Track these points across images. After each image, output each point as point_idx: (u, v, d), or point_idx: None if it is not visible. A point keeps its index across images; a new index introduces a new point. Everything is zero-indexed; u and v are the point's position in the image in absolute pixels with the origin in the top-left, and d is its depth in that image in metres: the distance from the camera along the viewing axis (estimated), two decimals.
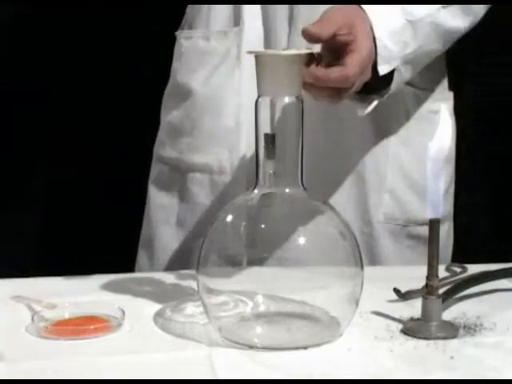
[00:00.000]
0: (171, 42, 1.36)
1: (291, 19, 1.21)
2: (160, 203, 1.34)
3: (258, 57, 0.90)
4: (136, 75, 2.10)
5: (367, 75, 1.02)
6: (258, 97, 0.89)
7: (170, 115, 1.33)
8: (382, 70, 1.05)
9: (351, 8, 1.03)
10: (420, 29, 1.10)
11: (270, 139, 0.88)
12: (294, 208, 0.91)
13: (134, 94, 2.17)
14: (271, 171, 0.89)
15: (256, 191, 0.91)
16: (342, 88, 0.98)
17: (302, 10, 1.19)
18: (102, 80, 2.21)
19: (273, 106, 0.88)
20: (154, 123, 1.40)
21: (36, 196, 2.33)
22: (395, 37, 1.06)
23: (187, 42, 1.30)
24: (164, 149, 1.34)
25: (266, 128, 0.89)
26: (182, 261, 1.29)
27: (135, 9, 2.10)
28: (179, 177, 1.31)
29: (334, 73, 0.96)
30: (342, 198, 1.22)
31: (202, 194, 1.28)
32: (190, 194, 1.29)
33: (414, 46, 1.10)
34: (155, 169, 1.36)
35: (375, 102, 1.09)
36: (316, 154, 1.18)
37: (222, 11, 1.26)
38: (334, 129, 1.21)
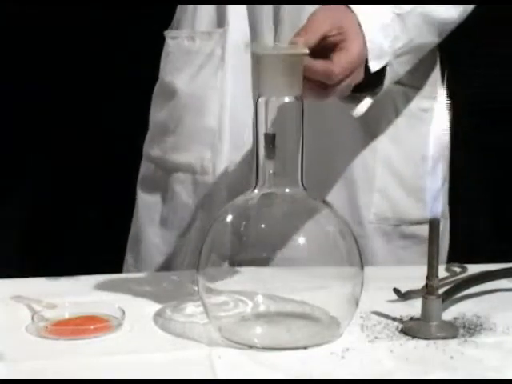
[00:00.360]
0: None
1: (277, 20, 1.21)
2: (145, 202, 1.34)
3: (258, 57, 0.89)
4: (136, 75, 2.10)
5: (358, 77, 1.01)
6: (258, 97, 0.89)
7: (156, 114, 1.34)
8: (374, 66, 1.04)
9: (339, 8, 1.02)
10: (409, 21, 1.09)
11: (271, 139, 0.88)
12: (294, 208, 0.91)
13: (133, 94, 2.17)
14: (271, 171, 0.89)
15: (256, 191, 0.91)
16: (328, 85, 0.97)
17: (288, 10, 1.19)
18: (102, 80, 2.22)
19: (273, 106, 0.88)
20: None
21: (36, 196, 2.33)
22: (385, 31, 1.05)
23: (173, 42, 1.31)
24: (151, 148, 1.34)
25: (265, 128, 0.89)
26: (165, 261, 1.30)
27: (135, 9, 2.10)
28: (164, 176, 1.31)
29: (320, 65, 0.95)
30: (332, 199, 1.21)
31: (185, 193, 1.28)
32: (173, 193, 1.30)
33: (405, 39, 1.09)
34: (143, 167, 1.36)
35: (369, 101, 1.08)
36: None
37: (207, 12, 1.26)
38: (322, 128, 1.21)
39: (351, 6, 1.02)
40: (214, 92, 1.25)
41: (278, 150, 0.89)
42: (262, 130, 0.89)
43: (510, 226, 2.12)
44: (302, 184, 0.91)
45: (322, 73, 0.95)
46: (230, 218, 0.91)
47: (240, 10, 1.23)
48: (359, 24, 1.01)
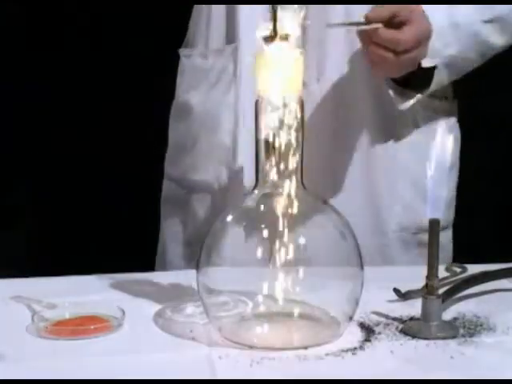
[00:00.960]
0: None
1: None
2: (169, 220, 1.35)
3: (257, 56, 0.89)
4: (147, 80, 2.11)
5: (423, 53, 1.10)
6: (258, 97, 0.89)
7: (174, 132, 1.36)
8: (426, 62, 1.12)
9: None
10: (462, 33, 1.15)
11: (271, 139, 0.88)
12: (294, 208, 0.91)
13: (139, 96, 2.17)
14: (271, 171, 0.89)
15: (256, 191, 0.91)
16: (398, 52, 1.06)
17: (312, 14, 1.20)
18: (106, 80, 2.22)
19: (273, 105, 0.88)
20: (159, 125, 1.40)
21: (36, 196, 2.32)
22: (439, 34, 1.11)
23: (187, 60, 1.32)
24: (171, 167, 1.36)
25: (265, 128, 0.89)
26: None
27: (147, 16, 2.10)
28: (185, 195, 1.32)
29: (390, 32, 1.05)
30: (356, 210, 1.24)
31: (203, 212, 1.29)
32: (194, 213, 1.30)
33: (455, 48, 1.15)
34: (165, 186, 1.38)
35: (415, 99, 1.17)
36: (326, 165, 1.23)
37: (219, 29, 1.27)
38: (344, 140, 1.23)
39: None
40: (228, 109, 1.25)
41: (278, 150, 0.89)
42: (262, 131, 0.89)
43: (510, 225, 2.12)
44: (302, 184, 0.91)
45: (390, 39, 1.05)
46: (229, 218, 0.91)
47: (251, 24, 1.23)
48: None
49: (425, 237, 1.25)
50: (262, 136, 0.89)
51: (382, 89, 1.21)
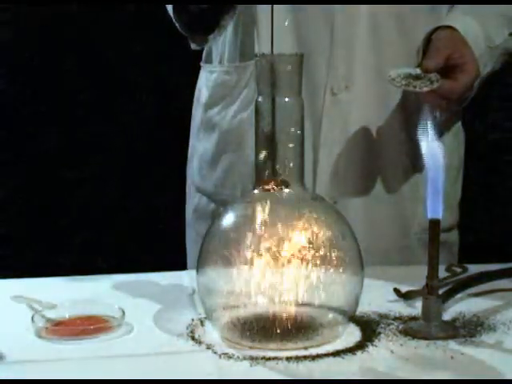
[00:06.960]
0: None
1: (332, 41, 1.23)
2: (201, 232, 1.35)
3: (257, 56, 0.89)
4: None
5: (473, 92, 1.19)
6: (258, 96, 0.89)
7: (200, 147, 1.37)
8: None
9: (453, 35, 1.17)
10: (495, 53, 1.21)
11: (270, 139, 0.88)
12: (294, 208, 0.91)
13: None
14: (271, 171, 0.89)
15: (256, 191, 0.91)
16: (450, 98, 1.15)
17: (341, 31, 1.23)
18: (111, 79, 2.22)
19: (273, 105, 0.88)
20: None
21: (36, 195, 2.33)
22: (479, 59, 1.17)
23: (211, 76, 1.33)
24: (200, 179, 1.37)
25: (266, 128, 0.89)
26: None
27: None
28: (217, 209, 1.32)
29: (446, 83, 1.14)
30: (381, 213, 1.27)
31: None
32: None
33: (490, 66, 1.21)
34: (194, 198, 1.38)
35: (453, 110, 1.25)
36: (355, 170, 1.26)
37: (241, 45, 1.28)
38: (371, 146, 1.25)
39: (454, 24, 1.18)
40: (250, 123, 1.26)
41: (279, 150, 0.89)
42: (262, 130, 0.89)
43: (510, 225, 2.12)
44: (303, 184, 0.91)
45: (447, 89, 1.14)
46: (229, 217, 0.91)
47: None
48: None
49: (444, 237, 1.28)
50: (263, 136, 0.89)
51: (409, 98, 1.24)
